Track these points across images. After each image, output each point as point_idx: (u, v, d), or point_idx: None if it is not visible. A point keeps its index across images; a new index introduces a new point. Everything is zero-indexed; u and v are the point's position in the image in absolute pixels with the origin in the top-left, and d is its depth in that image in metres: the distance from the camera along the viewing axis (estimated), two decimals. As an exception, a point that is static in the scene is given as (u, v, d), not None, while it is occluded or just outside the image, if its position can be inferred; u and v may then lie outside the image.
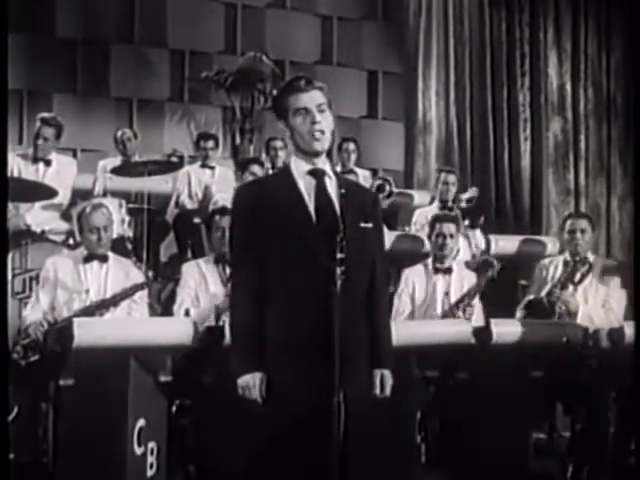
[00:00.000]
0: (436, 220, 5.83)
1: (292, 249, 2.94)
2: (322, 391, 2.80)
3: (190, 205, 7.49)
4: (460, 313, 5.41)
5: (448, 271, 5.62)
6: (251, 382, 2.91)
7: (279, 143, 7.67)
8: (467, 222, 6.70)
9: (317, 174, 3.02)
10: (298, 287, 2.92)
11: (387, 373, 3.04)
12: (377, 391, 3.02)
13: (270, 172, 6.91)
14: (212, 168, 7.63)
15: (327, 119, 2.99)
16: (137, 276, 5.00)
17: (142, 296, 4.96)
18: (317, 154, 3.01)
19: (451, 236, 5.66)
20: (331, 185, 3.04)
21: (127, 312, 4.86)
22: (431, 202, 7.55)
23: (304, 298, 2.91)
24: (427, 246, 6.18)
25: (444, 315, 5.49)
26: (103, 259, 4.89)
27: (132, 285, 4.85)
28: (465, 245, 6.50)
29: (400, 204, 7.79)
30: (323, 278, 2.85)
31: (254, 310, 2.94)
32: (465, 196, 6.98)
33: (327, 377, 2.78)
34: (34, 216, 6.17)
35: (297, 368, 2.89)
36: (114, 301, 4.79)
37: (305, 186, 3.02)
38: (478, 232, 6.80)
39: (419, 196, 8.22)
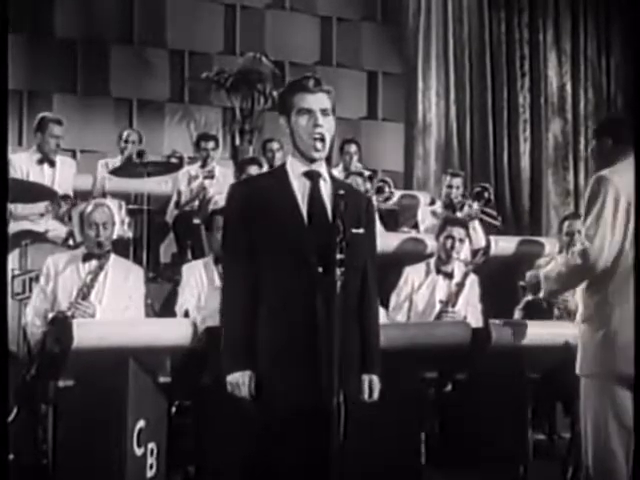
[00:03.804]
0: (447, 222, 5.78)
1: (283, 250, 2.93)
2: (313, 392, 2.81)
3: (189, 206, 7.48)
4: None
5: (450, 275, 5.60)
6: (240, 380, 2.91)
7: (276, 145, 7.66)
8: (476, 206, 6.73)
9: (312, 176, 3.00)
10: (287, 288, 2.92)
11: (375, 378, 3.03)
12: (365, 396, 3.00)
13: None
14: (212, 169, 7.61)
15: (329, 123, 2.98)
16: (137, 277, 5.01)
17: (139, 293, 4.95)
18: (314, 160, 3.00)
19: (461, 240, 5.61)
20: (326, 188, 3.02)
21: (125, 307, 4.84)
22: (431, 203, 7.55)
23: (292, 299, 2.90)
24: (429, 248, 6.16)
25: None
26: (101, 257, 4.82)
27: None
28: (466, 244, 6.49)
29: (405, 206, 7.78)
30: (312, 280, 2.86)
31: (245, 309, 2.94)
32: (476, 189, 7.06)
33: (318, 378, 2.79)
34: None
35: (287, 368, 2.89)
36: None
37: (299, 187, 3.00)
38: (479, 229, 6.81)
39: (422, 198, 8.21)
